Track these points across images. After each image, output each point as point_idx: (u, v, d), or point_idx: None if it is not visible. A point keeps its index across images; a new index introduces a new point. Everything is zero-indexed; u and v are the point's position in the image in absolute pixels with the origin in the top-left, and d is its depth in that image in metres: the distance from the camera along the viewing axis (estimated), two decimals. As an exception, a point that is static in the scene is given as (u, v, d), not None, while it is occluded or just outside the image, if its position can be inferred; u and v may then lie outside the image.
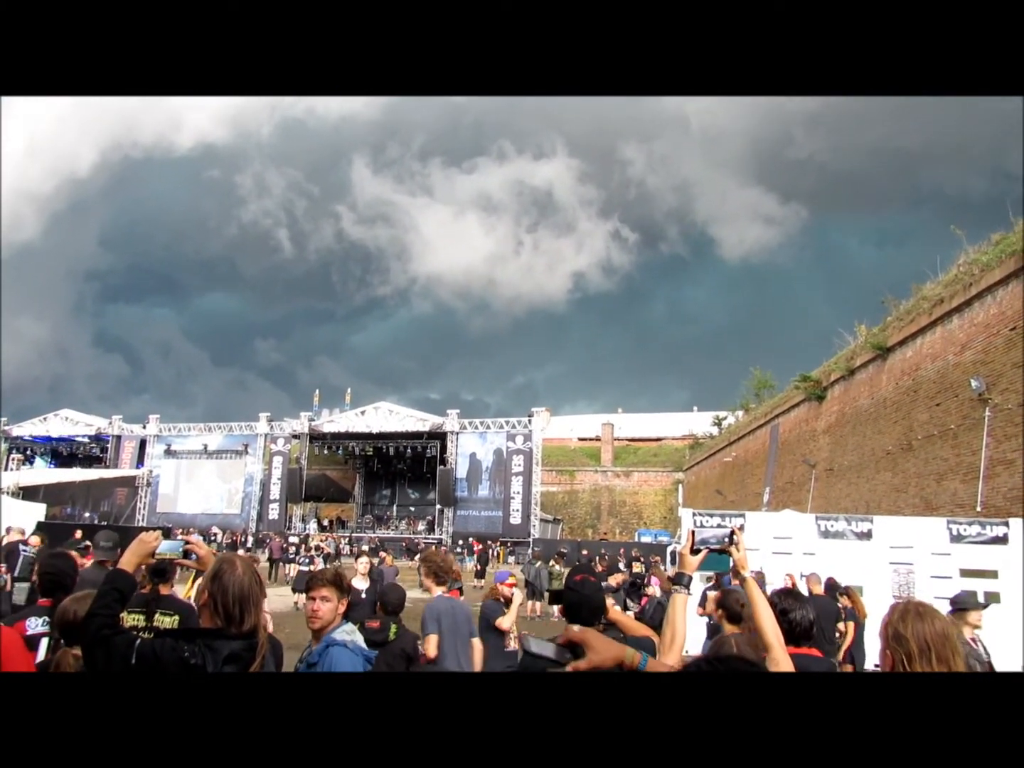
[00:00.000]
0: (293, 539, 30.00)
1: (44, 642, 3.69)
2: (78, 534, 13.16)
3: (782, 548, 12.40)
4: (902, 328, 18.71)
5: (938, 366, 16.65)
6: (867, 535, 12.35)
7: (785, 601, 3.07)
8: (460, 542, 38.42)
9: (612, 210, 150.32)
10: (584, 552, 28.62)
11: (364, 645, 3.32)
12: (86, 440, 51.40)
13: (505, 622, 6.09)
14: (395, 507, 52.94)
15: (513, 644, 6.11)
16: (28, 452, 50.12)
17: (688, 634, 2.69)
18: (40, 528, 18.11)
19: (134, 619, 4.40)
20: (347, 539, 40.43)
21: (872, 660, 9.10)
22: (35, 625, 3.84)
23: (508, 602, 6.32)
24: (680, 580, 2.70)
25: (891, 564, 11.96)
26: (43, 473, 43.09)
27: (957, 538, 11.68)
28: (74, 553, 5.37)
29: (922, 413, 17.16)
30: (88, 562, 6.37)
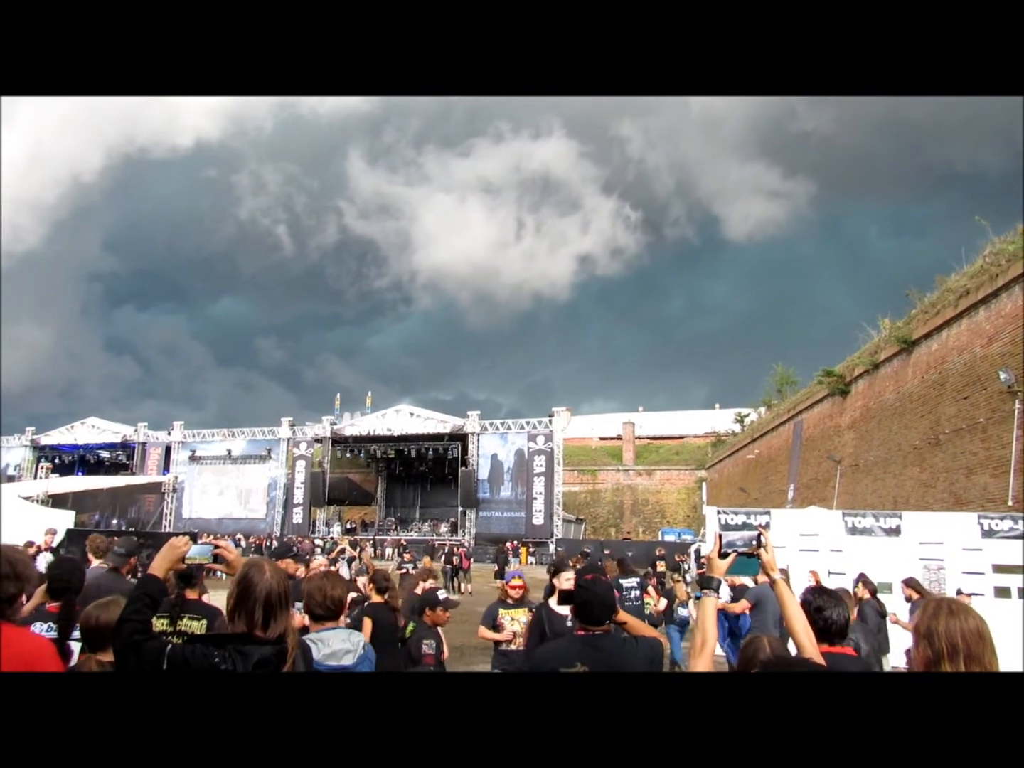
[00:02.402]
0: (318, 542, 30.15)
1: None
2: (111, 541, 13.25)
3: (809, 545, 12.26)
4: (927, 321, 18.46)
5: (965, 359, 16.40)
6: (895, 531, 12.19)
7: (820, 599, 3.03)
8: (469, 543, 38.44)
9: (613, 189, 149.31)
10: (587, 550, 28.48)
11: (322, 652, 3.22)
12: (112, 447, 52.05)
13: (487, 633, 6.31)
14: (418, 509, 53.12)
15: (514, 644, 6.17)
16: (56, 461, 50.83)
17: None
18: (69, 535, 18.35)
19: (160, 624, 4.38)
20: (371, 541, 40.63)
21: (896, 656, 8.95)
22: (40, 630, 3.86)
23: (516, 601, 6.41)
24: (709, 584, 2.67)
25: (921, 560, 11.80)
26: (71, 481, 43.63)
27: (989, 533, 11.50)
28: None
29: (949, 407, 16.91)
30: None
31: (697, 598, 2.74)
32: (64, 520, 20.44)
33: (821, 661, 2.44)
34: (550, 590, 6.36)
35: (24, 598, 2.46)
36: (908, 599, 8.62)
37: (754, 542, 2.74)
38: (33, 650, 2.34)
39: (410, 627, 5.12)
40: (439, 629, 6.37)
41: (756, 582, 9.43)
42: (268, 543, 41.00)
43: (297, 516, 45.80)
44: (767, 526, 12.24)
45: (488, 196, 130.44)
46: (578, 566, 17.40)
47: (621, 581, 12.33)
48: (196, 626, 4.46)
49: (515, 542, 37.50)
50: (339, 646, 3.25)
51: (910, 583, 8.71)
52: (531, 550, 38.43)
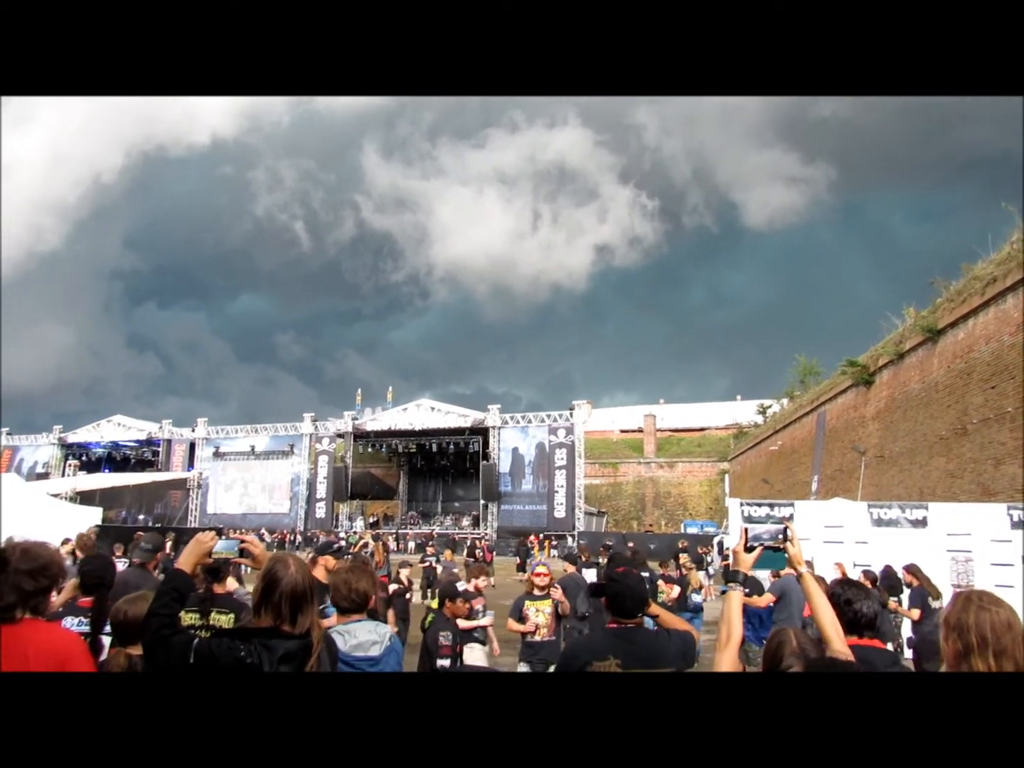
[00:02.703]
0: (342, 536, 30.37)
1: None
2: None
3: (834, 537, 12.16)
4: (953, 309, 18.19)
5: (992, 347, 16.15)
6: (922, 523, 12.05)
7: (849, 591, 3.00)
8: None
9: (630, 177, 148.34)
10: (609, 543, 28.39)
11: (348, 644, 3.25)
12: (138, 444, 52.74)
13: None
14: (440, 503, 53.35)
15: (539, 636, 6.20)
16: (84, 458, 51.58)
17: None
18: (99, 532, 18.62)
19: (191, 618, 4.42)
20: (393, 535, 40.88)
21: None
22: (71, 624, 3.93)
23: (542, 592, 6.44)
24: (735, 578, 2.65)
25: (948, 552, 11.65)
26: (99, 478, 44.28)
27: (1019, 524, 11.31)
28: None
29: (976, 396, 16.66)
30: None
31: (723, 592, 2.72)
32: (92, 517, 20.77)
33: (849, 654, 2.41)
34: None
35: (55, 593, 2.49)
36: (908, 585, 8.56)
37: (780, 535, 2.72)
38: (63, 645, 2.38)
39: (429, 618, 5.18)
40: (490, 626, 6.46)
41: (778, 575, 9.38)
42: (292, 538, 41.41)
43: (320, 511, 46.17)
44: (791, 518, 12.15)
45: (504, 187, 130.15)
46: (595, 559, 17.37)
47: None
48: (224, 620, 4.50)
49: (539, 535, 37.51)
50: (365, 637, 3.27)
51: (910, 569, 8.63)
52: (553, 543, 38.45)
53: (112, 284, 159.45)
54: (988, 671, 1.99)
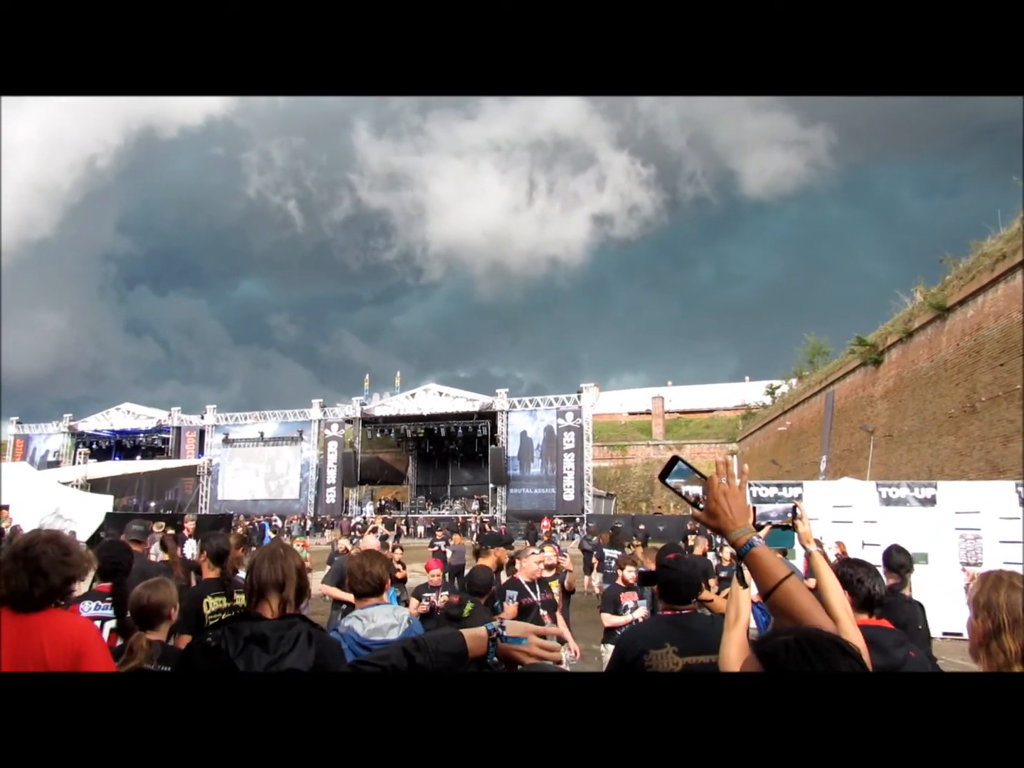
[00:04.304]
0: (356, 520, 30.62)
1: (106, 626, 3.82)
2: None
3: (842, 517, 12.17)
4: (962, 287, 18.07)
5: (1002, 324, 16.05)
6: (931, 501, 12.04)
7: (859, 570, 3.01)
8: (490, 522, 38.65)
9: (625, 145, 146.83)
10: (643, 527, 28.42)
11: (366, 629, 3.26)
12: (148, 432, 53.02)
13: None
14: (449, 487, 53.53)
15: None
16: (94, 446, 51.92)
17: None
18: (109, 519, 18.80)
19: (217, 602, 4.57)
20: (403, 520, 41.08)
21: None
22: (88, 608, 3.99)
23: (549, 570, 6.42)
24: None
25: (957, 530, 11.65)
26: (109, 466, 44.54)
27: (1027, 502, 11.31)
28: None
29: (985, 374, 16.58)
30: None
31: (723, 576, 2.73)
32: (103, 504, 20.95)
33: (858, 635, 2.43)
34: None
35: (76, 584, 2.51)
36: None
37: (789, 514, 2.72)
38: (78, 633, 2.41)
39: (468, 607, 5.00)
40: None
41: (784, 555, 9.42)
42: (303, 523, 41.65)
43: (330, 496, 46.40)
44: (800, 498, 12.16)
45: (499, 156, 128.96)
46: (593, 540, 17.30)
47: (605, 550, 12.58)
48: (241, 599, 4.56)
49: (552, 517, 37.60)
50: (383, 621, 3.30)
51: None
52: (562, 526, 38.58)
53: (107, 268, 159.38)
54: (1019, 651, 2.00)
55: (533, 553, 6.21)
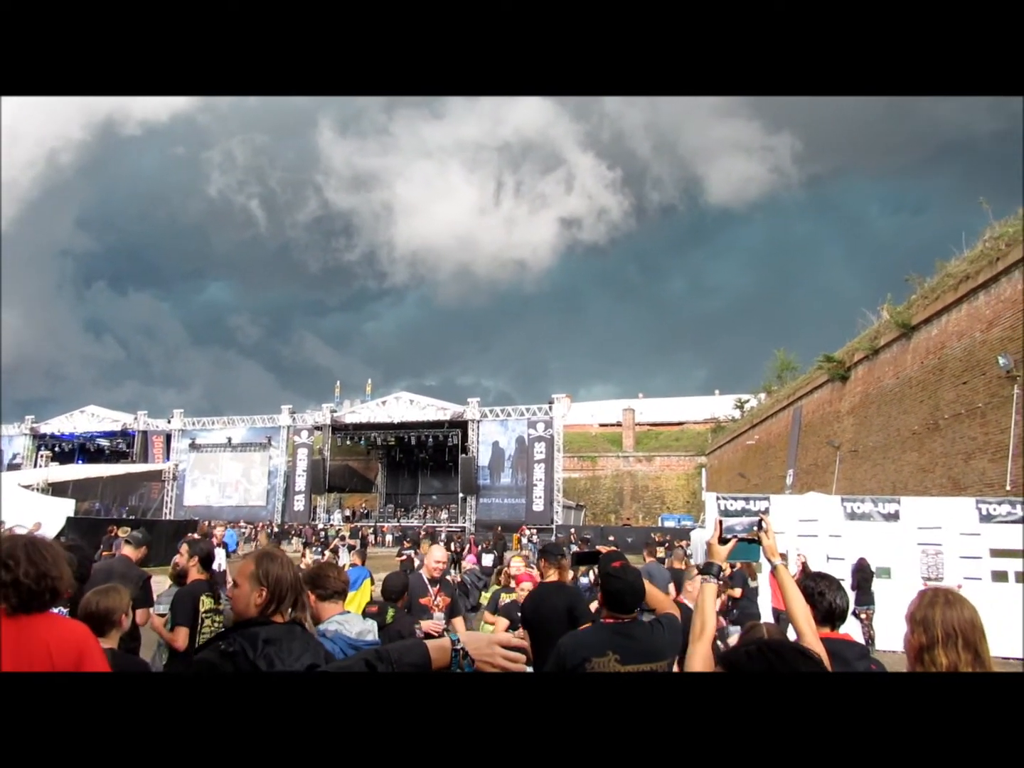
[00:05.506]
0: (321, 528, 30.41)
1: None
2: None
3: (808, 531, 12.32)
4: (927, 306, 18.44)
5: (964, 344, 16.40)
6: (894, 516, 12.23)
7: (821, 584, 3.05)
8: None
9: (591, 146, 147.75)
10: (611, 538, 28.52)
11: (352, 633, 3.29)
12: (112, 436, 52.07)
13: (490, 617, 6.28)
14: (418, 496, 53.22)
15: None
16: (56, 449, 50.85)
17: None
18: (70, 524, 18.42)
19: (209, 602, 4.90)
20: (371, 529, 40.73)
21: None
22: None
23: (515, 580, 6.43)
24: (709, 570, 2.68)
25: (919, 545, 11.85)
26: (71, 469, 43.61)
27: (987, 518, 11.54)
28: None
29: (948, 392, 16.92)
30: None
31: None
32: (65, 508, 20.53)
33: (821, 648, 2.46)
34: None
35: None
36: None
37: (755, 527, 2.75)
38: (82, 637, 2.37)
39: (390, 613, 4.98)
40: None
41: (752, 568, 9.50)
42: (269, 530, 41.15)
43: (298, 503, 45.88)
44: (767, 512, 12.28)
45: (467, 155, 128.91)
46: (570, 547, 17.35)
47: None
48: (224, 603, 4.91)
49: (525, 527, 37.51)
50: (361, 627, 3.36)
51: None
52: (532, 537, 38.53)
53: (63, 264, 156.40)
54: (950, 665, 2.10)
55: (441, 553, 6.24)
